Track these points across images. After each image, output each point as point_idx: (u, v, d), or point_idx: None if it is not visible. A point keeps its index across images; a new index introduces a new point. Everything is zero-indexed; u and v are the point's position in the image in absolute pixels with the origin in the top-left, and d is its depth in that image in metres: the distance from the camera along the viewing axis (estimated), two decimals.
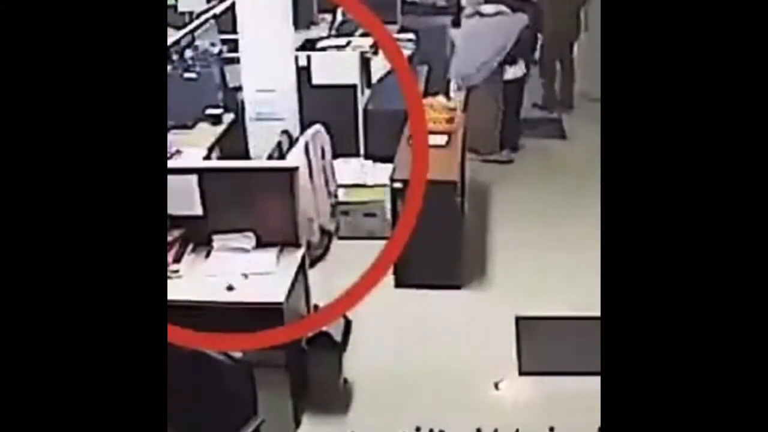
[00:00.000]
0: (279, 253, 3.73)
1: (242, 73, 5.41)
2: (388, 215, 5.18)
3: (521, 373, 4.20)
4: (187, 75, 5.52)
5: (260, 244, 3.76)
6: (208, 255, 3.74)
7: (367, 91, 6.24)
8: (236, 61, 5.54)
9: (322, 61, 6.01)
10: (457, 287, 4.94)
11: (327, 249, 5.31)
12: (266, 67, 5.28)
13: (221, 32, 6.55)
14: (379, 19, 6.03)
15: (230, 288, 3.50)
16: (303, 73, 5.73)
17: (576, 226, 5.21)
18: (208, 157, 5.10)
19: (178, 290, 3.40)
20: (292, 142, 5.13)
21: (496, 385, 4.10)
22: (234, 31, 5.46)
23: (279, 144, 5.16)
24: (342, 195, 5.41)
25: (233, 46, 5.70)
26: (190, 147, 5.11)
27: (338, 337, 3.91)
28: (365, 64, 6.21)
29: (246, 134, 5.45)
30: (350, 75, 5.98)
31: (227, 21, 6.32)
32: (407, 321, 4.69)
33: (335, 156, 5.33)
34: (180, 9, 6.33)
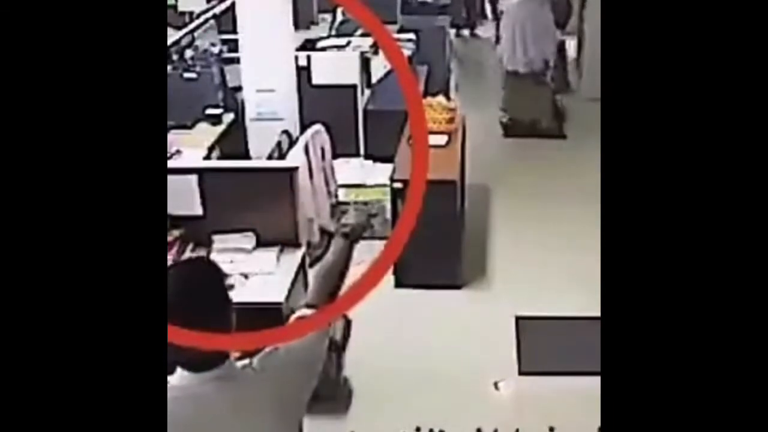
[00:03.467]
0: (279, 253, 3.73)
1: (242, 73, 5.40)
2: (388, 215, 5.18)
3: (521, 373, 4.20)
4: (187, 75, 5.53)
5: (260, 244, 3.76)
6: (208, 255, 3.74)
7: (367, 91, 6.24)
8: (236, 61, 5.54)
9: (322, 61, 6.01)
10: (457, 287, 4.94)
11: (327, 249, 5.29)
12: (266, 67, 5.28)
13: (221, 32, 6.56)
14: (379, 19, 6.03)
15: (230, 288, 3.49)
16: (303, 73, 5.73)
17: (576, 226, 5.21)
18: (208, 157, 5.10)
19: None
20: (292, 142, 5.13)
21: (496, 385, 4.10)
22: (234, 31, 5.46)
23: (279, 144, 5.15)
24: (342, 195, 5.41)
25: (233, 46, 5.70)
26: (190, 147, 5.11)
27: (338, 337, 3.91)
28: (365, 64, 6.21)
29: (246, 134, 5.45)
30: (350, 75, 5.98)
31: (227, 21, 6.32)
32: (407, 321, 4.69)
33: (335, 156, 5.33)
34: (180, 9, 6.35)
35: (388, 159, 5.23)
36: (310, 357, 2.05)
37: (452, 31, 8.49)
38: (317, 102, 5.62)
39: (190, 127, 5.43)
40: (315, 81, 5.89)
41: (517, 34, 7.38)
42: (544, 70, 7.48)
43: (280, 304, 3.42)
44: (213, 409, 1.82)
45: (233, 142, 5.46)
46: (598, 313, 1.61)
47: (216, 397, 1.83)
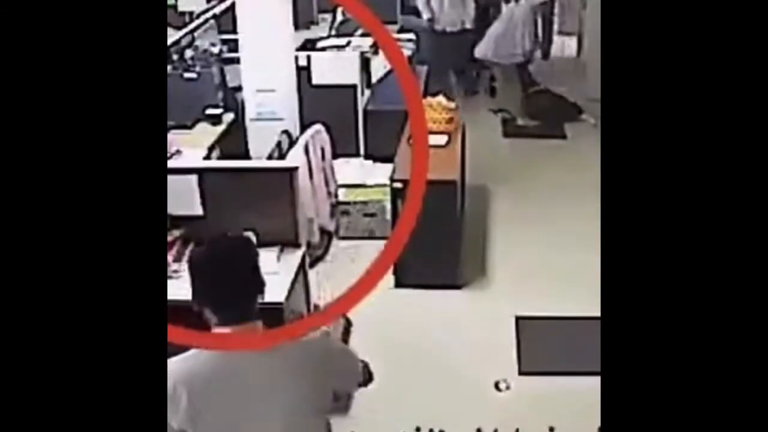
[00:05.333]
0: (279, 253, 3.73)
1: (242, 73, 5.40)
2: (388, 215, 5.18)
3: (521, 373, 4.20)
4: (187, 75, 5.53)
5: (260, 244, 3.75)
6: None
7: (367, 91, 6.24)
8: (236, 61, 5.54)
9: (322, 61, 6.01)
10: (457, 287, 4.94)
11: (327, 249, 5.30)
12: (266, 67, 5.28)
13: (221, 32, 6.56)
14: (379, 19, 6.03)
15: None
16: (303, 73, 5.73)
17: (576, 225, 5.21)
18: (208, 157, 5.09)
19: (178, 290, 3.39)
20: (292, 142, 5.13)
21: (496, 385, 4.10)
22: (234, 31, 5.46)
23: (279, 144, 5.16)
24: (342, 195, 5.41)
25: (233, 46, 5.70)
26: (190, 147, 5.11)
27: (338, 337, 3.90)
28: (365, 64, 6.21)
29: (246, 134, 5.45)
30: (350, 75, 5.98)
31: (227, 21, 6.32)
32: (407, 321, 4.69)
33: (335, 156, 5.33)
34: (180, 9, 6.35)
35: (388, 159, 5.22)
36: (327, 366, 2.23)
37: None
38: (317, 102, 5.62)
39: (190, 127, 5.43)
40: (315, 81, 5.89)
41: (499, 30, 7.61)
42: (518, 63, 7.71)
43: (280, 304, 3.41)
44: (240, 362, 2.00)
45: (233, 142, 5.46)
46: (598, 313, 1.61)
47: (244, 354, 2.01)
